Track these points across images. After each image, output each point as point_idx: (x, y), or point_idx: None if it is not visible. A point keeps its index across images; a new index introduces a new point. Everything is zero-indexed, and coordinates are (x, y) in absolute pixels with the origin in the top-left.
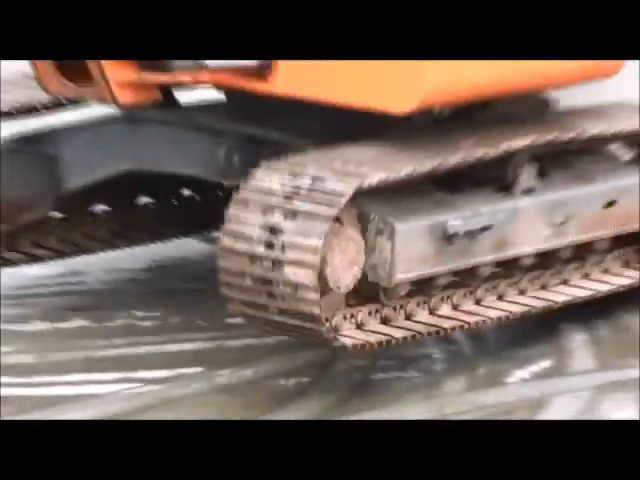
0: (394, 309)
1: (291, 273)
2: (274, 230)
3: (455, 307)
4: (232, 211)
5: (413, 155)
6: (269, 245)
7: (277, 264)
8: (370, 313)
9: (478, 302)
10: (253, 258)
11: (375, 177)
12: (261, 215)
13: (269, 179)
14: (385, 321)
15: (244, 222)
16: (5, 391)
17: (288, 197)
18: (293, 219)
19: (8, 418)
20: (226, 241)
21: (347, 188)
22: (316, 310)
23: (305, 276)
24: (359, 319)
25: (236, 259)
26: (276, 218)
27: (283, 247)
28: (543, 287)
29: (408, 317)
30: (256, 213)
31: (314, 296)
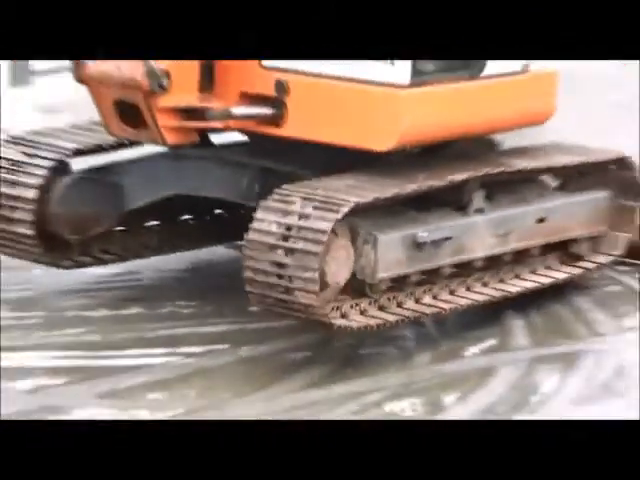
0: (377, 300)
1: (298, 271)
2: (286, 238)
3: (425, 300)
4: (251, 234)
5: (384, 183)
6: (286, 249)
7: (290, 267)
8: (357, 304)
9: (442, 296)
10: (271, 264)
11: (352, 202)
12: (271, 236)
13: (285, 199)
14: (370, 310)
15: (263, 238)
16: (78, 362)
17: (296, 215)
18: (298, 231)
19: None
20: (250, 247)
21: (337, 210)
22: (317, 301)
23: (309, 274)
24: (350, 308)
25: (256, 264)
26: (288, 232)
27: (293, 253)
28: (492, 283)
29: (388, 307)
30: (270, 235)
31: (317, 288)
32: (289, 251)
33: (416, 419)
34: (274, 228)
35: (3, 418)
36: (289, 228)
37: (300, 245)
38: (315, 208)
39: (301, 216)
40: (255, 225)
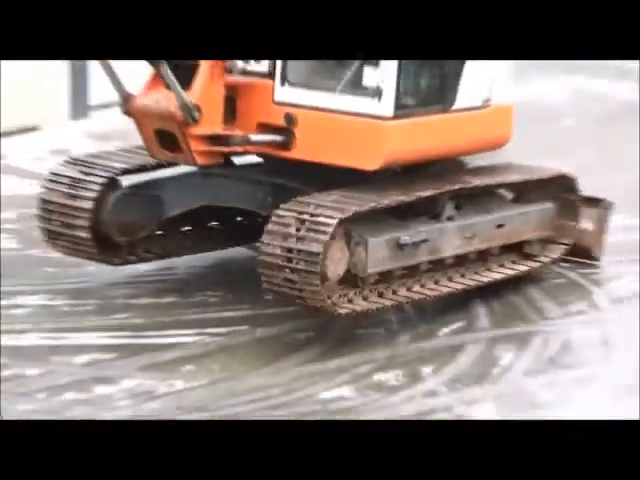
0: (367, 291)
1: (304, 266)
2: (295, 236)
3: (407, 289)
4: (265, 237)
5: (374, 196)
6: (290, 251)
7: (296, 261)
8: (355, 293)
9: (422, 286)
10: (279, 266)
11: (351, 210)
12: (282, 239)
13: (293, 209)
14: (363, 298)
15: (275, 240)
16: (124, 341)
17: (302, 222)
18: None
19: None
20: (264, 250)
21: (335, 218)
22: (319, 290)
23: (312, 268)
24: (348, 297)
25: (272, 263)
26: (295, 235)
27: (300, 252)
28: (461, 277)
29: (377, 296)
30: (280, 235)
31: (318, 280)
32: (296, 251)
33: (415, 419)
34: (290, 229)
35: (59, 387)
36: (298, 227)
37: (305, 247)
38: (312, 223)
39: (303, 223)
40: (270, 227)
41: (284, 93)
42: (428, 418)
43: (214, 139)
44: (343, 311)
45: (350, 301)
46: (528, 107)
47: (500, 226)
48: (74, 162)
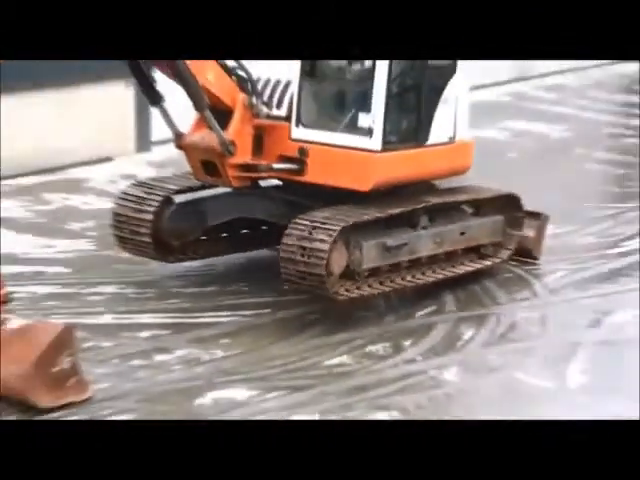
0: (362, 282)
1: (314, 260)
2: (306, 240)
3: (392, 281)
4: (285, 238)
5: (366, 210)
6: (303, 249)
7: (308, 257)
8: (351, 284)
9: (403, 278)
10: (295, 260)
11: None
12: (297, 239)
13: (307, 218)
14: (357, 288)
15: (292, 240)
16: (177, 320)
17: (313, 227)
18: (313, 239)
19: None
20: (284, 249)
21: (337, 226)
22: (325, 281)
23: (320, 262)
24: (346, 287)
25: (289, 261)
26: (308, 237)
27: (311, 250)
28: (433, 272)
29: (368, 286)
30: (296, 237)
31: (324, 271)
32: (309, 250)
33: (414, 419)
34: (304, 232)
35: (128, 355)
36: (310, 232)
37: (315, 246)
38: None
39: (314, 230)
40: (289, 231)
41: (298, 132)
42: (403, 385)
43: (245, 167)
44: (342, 298)
45: (348, 290)
46: (481, 144)
47: (462, 233)
48: (139, 184)
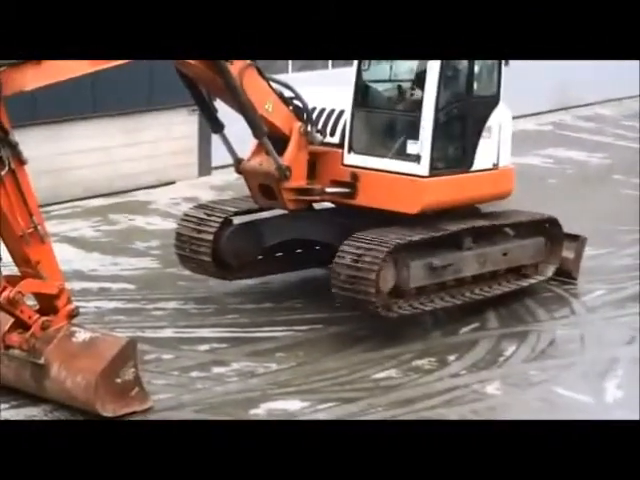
0: (409, 300)
1: (365, 280)
2: (357, 260)
3: (438, 299)
4: (337, 259)
5: (414, 232)
6: (355, 268)
7: (358, 279)
8: (398, 302)
9: (448, 297)
10: (347, 280)
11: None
12: (348, 259)
13: (358, 239)
14: (405, 305)
15: (343, 262)
16: (234, 334)
17: (362, 250)
18: (364, 259)
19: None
20: (336, 268)
21: (386, 247)
22: (374, 298)
23: (370, 282)
24: (397, 304)
25: (341, 279)
26: (359, 259)
27: (362, 270)
28: (476, 290)
29: (415, 304)
30: (348, 258)
31: (374, 290)
32: (360, 269)
33: (415, 419)
34: (355, 255)
35: (187, 367)
36: (361, 253)
37: (366, 266)
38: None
39: (364, 250)
40: (340, 252)
41: (350, 158)
42: (448, 398)
43: (300, 191)
44: (390, 315)
45: (396, 307)
46: (522, 170)
47: (505, 254)
48: (200, 207)
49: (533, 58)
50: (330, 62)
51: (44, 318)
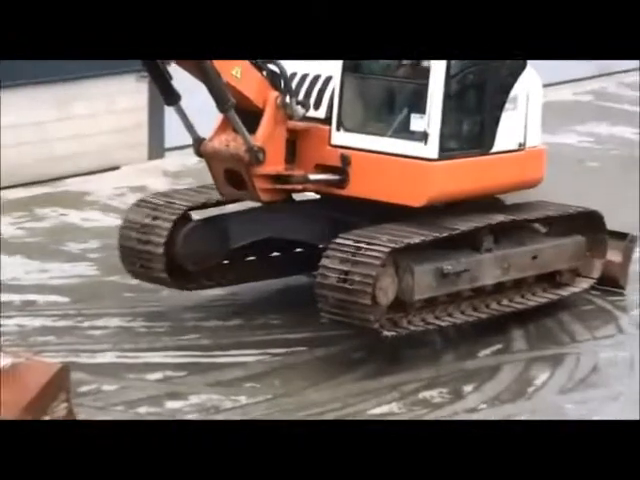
0: (414, 315)
1: (357, 287)
2: (351, 263)
3: (450, 314)
4: (324, 260)
5: (420, 230)
6: (345, 273)
7: (351, 284)
8: (400, 317)
9: (463, 311)
10: (335, 287)
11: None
12: (339, 262)
13: (350, 238)
14: (409, 322)
15: (331, 267)
16: (194, 359)
17: (358, 249)
18: (356, 264)
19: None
20: (322, 275)
21: (385, 249)
22: (370, 314)
23: (365, 289)
24: (396, 320)
25: (329, 290)
26: (351, 260)
27: (355, 276)
28: (499, 303)
29: (422, 320)
30: (337, 259)
31: (369, 301)
32: (352, 275)
33: (416, 419)
34: (347, 255)
35: (134, 401)
36: (353, 255)
37: (360, 270)
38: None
39: (357, 252)
40: (328, 252)
41: (339, 137)
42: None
43: (276, 178)
44: (391, 334)
45: (397, 325)
46: (555, 151)
47: (535, 257)
48: (151, 198)
49: (533, 58)
50: None
51: None
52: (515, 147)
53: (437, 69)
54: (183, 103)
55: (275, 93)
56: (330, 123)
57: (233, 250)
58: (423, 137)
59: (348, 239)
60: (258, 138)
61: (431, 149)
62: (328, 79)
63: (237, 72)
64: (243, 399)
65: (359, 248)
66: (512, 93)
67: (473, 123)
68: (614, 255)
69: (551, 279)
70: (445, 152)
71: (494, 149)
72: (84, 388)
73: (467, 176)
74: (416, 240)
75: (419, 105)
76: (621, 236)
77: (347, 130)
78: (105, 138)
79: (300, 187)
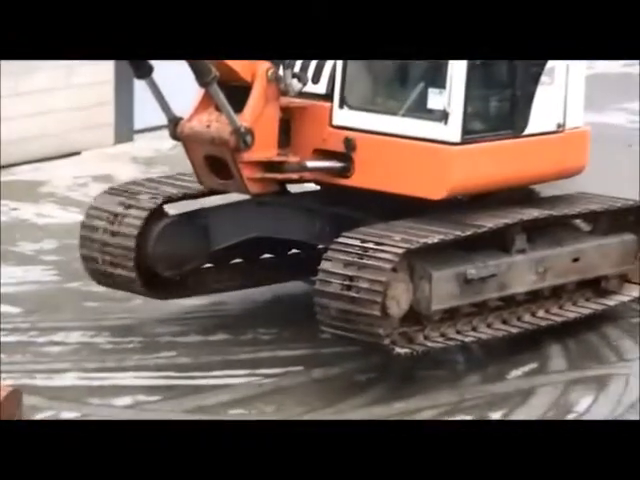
0: (432, 329)
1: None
2: (357, 266)
3: (475, 328)
4: (325, 264)
5: (439, 227)
6: (350, 279)
7: (357, 292)
8: (415, 332)
9: (489, 325)
10: (338, 296)
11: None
12: (342, 266)
13: (355, 238)
14: (426, 337)
15: (333, 271)
16: (170, 382)
17: (365, 250)
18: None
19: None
20: (322, 280)
21: (397, 250)
22: (380, 330)
23: (373, 297)
24: (409, 336)
25: (330, 298)
26: (357, 263)
27: (361, 282)
28: (532, 314)
29: (442, 335)
30: (340, 262)
31: (378, 311)
32: (358, 281)
33: (416, 419)
34: (352, 257)
35: None
36: (360, 257)
37: (367, 275)
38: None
39: (365, 253)
40: (330, 254)
41: (343, 116)
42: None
43: (267, 166)
44: (404, 351)
45: (412, 340)
46: (599, 133)
47: (576, 260)
48: (117, 190)
49: (532, 57)
50: None
51: None
52: (553, 128)
53: None
54: (156, 76)
55: (266, 64)
56: (331, 100)
57: (216, 252)
58: (443, 117)
59: (353, 238)
60: (246, 118)
61: (452, 131)
62: None
63: None
64: None
65: (366, 249)
66: (549, 64)
67: (502, 100)
68: None
69: (595, 286)
70: (469, 134)
71: (527, 131)
72: (40, 415)
73: (495, 163)
74: (434, 240)
75: (438, 78)
76: None
77: (351, 108)
78: (63, 117)
79: (295, 176)
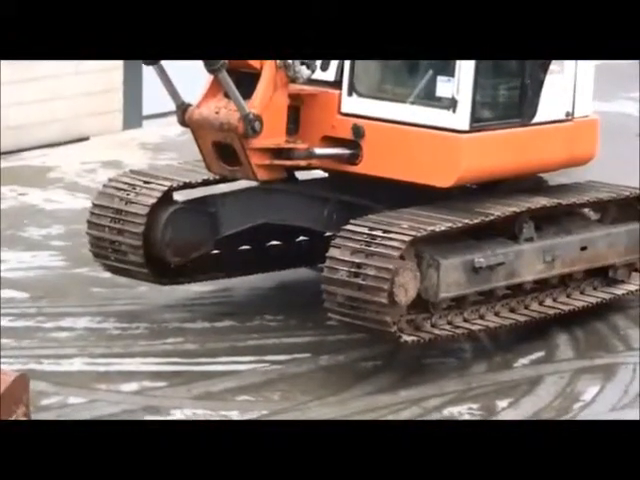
0: (439, 317)
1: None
2: (365, 253)
3: (482, 316)
4: (332, 251)
5: (447, 215)
6: (357, 266)
7: (364, 279)
8: (423, 320)
9: (497, 313)
10: (345, 283)
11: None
12: (350, 254)
13: (364, 225)
14: (433, 325)
15: (341, 259)
16: (177, 368)
17: (373, 238)
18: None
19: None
20: (329, 268)
21: (405, 237)
22: (387, 317)
23: (380, 292)
24: (416, 324)
25: (337, 285)
26: (365, 251)
27: (369, 269)
28: (540, 303)
29: (449, 323)
30: (348, 250)
31: (385, 299)
32: (365, 268)
33: (416, 419)
34: (359, 244)
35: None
36: (367, 244)
37: (375, 262)
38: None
39: (372, 240)
40: (337, 241)
41: (351, 104)
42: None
43: (276, 152)
44: (411, 339)
45: (419, 328)
46: (608, 122)
47: (584, 248)
48: (126, 176)
49: (533, 57)
50: None
51: None
52: (562, 117)
53: None
54: (164, 62)
55: None
56: (340, 87)
57: (224, 238)
58: (451, 104)
59: (361, 226)
60: (254, 104)
61: (461, 119)
62: None
63: None
64: (234, 415)
65: (374, 237)
66: None
67: (511, 88)
68: None
69: (603, 275)
70: (478, 122)
71: (536, 119)
72: (46, 401)
73: (504, 151)
74: (442, 227)
75: (447, 66)
76: None
77: (360, 95)
78: (72, 103)
79: (304, 163)
